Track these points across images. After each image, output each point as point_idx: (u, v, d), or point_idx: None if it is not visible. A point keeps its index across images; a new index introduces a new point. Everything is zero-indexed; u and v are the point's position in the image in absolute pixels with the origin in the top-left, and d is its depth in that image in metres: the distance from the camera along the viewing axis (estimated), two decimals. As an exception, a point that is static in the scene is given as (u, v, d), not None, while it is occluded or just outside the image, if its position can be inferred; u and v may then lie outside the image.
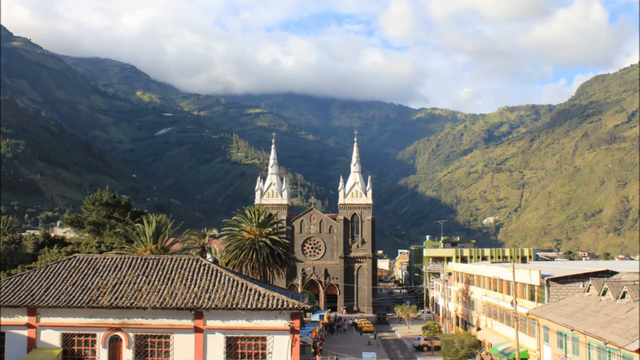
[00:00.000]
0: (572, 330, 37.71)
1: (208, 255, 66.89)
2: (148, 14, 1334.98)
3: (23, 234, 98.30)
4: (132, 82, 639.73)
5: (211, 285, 35.65)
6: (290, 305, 33.54)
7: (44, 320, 34.65)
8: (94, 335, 34.58)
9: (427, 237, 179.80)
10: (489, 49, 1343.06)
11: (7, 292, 35.52)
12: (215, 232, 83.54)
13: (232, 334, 34.03)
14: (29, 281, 36.79)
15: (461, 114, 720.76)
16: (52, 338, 34.54)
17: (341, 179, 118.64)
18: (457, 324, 76.48)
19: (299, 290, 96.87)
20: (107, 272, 37.44)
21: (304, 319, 73.76)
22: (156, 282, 36.15)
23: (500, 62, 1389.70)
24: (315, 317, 79.71)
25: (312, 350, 60.25)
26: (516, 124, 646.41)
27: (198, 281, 36.12)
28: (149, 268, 37.72)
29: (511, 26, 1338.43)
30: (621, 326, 32.95)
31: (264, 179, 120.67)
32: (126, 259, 38.98)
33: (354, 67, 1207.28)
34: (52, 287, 35.99)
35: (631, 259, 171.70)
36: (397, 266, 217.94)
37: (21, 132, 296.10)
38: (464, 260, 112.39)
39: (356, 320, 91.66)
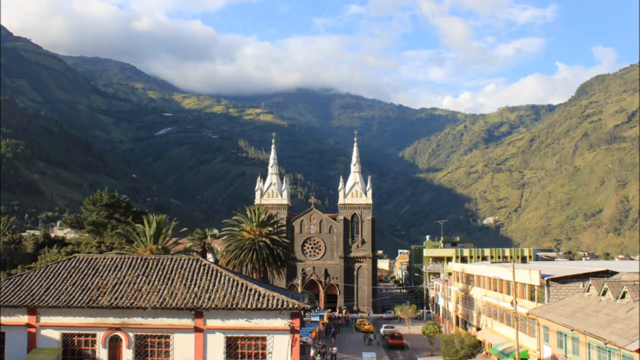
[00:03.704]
0: (572, 330, 37.71)
1: (209, 255, 66.91)
2: (148, 14, 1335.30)
3: (23, 234, 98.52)
4: (132, 82, 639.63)
5: (211, 285, 35.64)
6: (290, 305, 33.53)
7: (44, 320, 34.63)
8: (94, 335, 34.56)
9: (427, 237, 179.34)
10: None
11: (7, 292, 35.50)
12: (215, 231, 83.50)
13: (232, 333, 34.02)
14: (29, 281, 36.78)
15: (461, 114, 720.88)
16: (52, 338, 34.52)
17: (341, 179, 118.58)
18: (457, 324, 76.47)
19: (299, 290, 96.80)
20: (107, 272, 37.41)
21: (304, 319, 73.76)
22: (156, 282, 36.14)
23: (500, 62, 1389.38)
24: (315, 317, 79.71)
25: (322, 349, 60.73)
26: (516, 124, 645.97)
27: (198, 281, 36.11)
28: (149, 268, 37.70)
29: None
30: (621, 326, 32.96)
31: (264, 178, 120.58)
32: (126, 259, 38.95)
33: (354, 67, 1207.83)
34: (52, 287, 35.97)
35: (631, 259, 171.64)
36: (397, 266, 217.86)
37: (21, 132, 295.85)
38: (464, 260, 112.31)
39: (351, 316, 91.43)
